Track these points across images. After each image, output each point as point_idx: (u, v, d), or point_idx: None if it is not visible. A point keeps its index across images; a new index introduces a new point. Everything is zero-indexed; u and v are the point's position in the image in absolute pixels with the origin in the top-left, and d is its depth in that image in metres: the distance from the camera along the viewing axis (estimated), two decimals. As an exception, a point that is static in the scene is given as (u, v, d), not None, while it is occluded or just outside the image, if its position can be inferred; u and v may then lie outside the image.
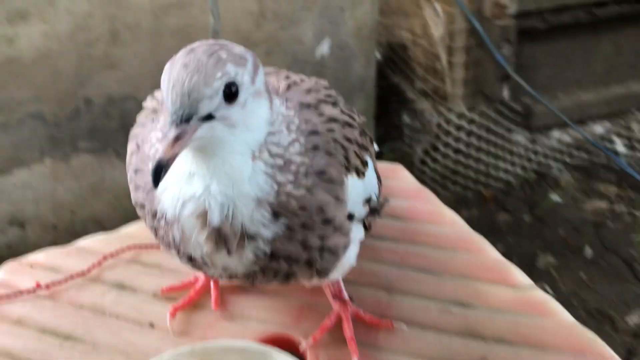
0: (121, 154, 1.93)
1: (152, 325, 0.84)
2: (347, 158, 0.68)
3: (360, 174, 0.71)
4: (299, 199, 0.64)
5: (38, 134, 1.88)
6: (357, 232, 0.74)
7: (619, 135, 2.47)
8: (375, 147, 1.17)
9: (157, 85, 0.62)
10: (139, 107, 0.77)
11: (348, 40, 2.10)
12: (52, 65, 1.81)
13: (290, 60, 2.03)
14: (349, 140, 0.70)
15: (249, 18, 1.92)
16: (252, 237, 0.63)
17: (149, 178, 0.58)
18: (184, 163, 0.62)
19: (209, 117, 0.58)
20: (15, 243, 1.95)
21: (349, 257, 0.75)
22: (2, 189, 1.90)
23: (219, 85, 0.57)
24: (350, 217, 0.70)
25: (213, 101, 0.57)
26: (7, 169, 1.90)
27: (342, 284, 0.84)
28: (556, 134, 2.42)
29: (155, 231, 0.69)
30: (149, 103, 0.76)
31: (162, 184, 0.57)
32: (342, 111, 0.72)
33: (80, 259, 0.94)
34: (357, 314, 0.82)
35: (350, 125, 0.71)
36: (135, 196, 0.71)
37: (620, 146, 2.46)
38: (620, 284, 1.98)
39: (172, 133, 0.56)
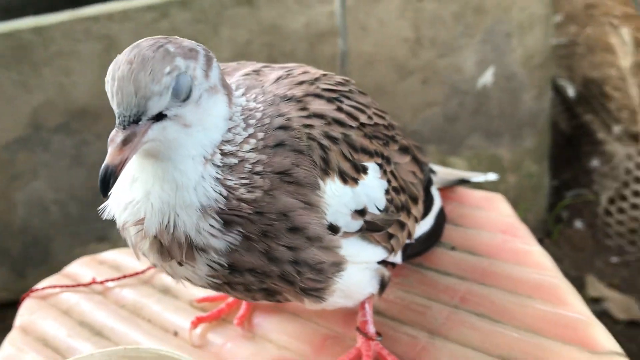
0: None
1: (176, 333, 0.81)
2: (325, 159, 0.59)
3: (348, 179, 0.61)
4: (253, 203, 0.56)
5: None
6: (356, 250, 0.63)
7: None
8: (492, 175, 1.01)
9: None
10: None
11: (516, 69, 1.91)
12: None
13: (448, 90, 1.91)
14: (332, 139, 0.60)
15: (404, 45, 1.85)
16: (201, 249, 0.57)
17: None
18: (129, 166, 0.58)
19: (160, 116, 0.53)
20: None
21: (353, 281, 0.64)
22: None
23: (168, 80, 0.52)
24: (333, 229, 0.59)
25: (163, 99, 0.52)
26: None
27: (368, 316, 0.72)
28: None
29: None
30: None
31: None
32: (339, 109, 0.63)
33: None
34: (380, 353, 0.70)
35: (342, 124, 0.62)
36: None
37: None
38: None
39: (120, 136, 0.51)
